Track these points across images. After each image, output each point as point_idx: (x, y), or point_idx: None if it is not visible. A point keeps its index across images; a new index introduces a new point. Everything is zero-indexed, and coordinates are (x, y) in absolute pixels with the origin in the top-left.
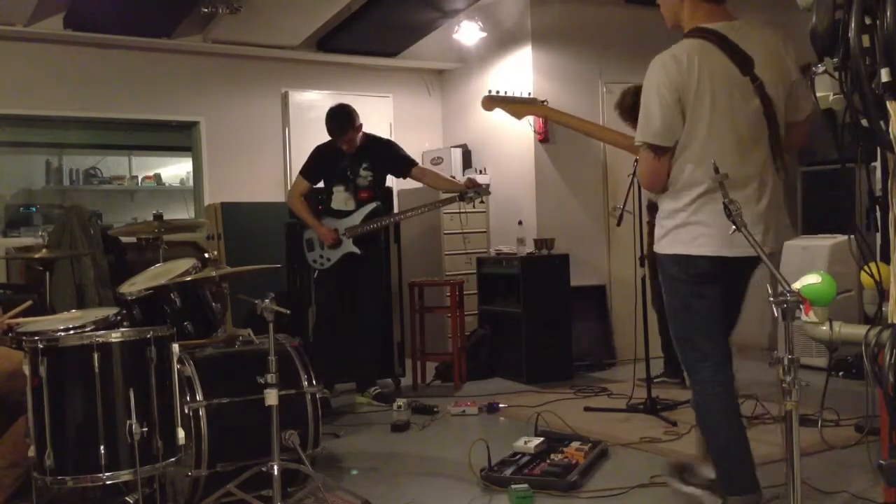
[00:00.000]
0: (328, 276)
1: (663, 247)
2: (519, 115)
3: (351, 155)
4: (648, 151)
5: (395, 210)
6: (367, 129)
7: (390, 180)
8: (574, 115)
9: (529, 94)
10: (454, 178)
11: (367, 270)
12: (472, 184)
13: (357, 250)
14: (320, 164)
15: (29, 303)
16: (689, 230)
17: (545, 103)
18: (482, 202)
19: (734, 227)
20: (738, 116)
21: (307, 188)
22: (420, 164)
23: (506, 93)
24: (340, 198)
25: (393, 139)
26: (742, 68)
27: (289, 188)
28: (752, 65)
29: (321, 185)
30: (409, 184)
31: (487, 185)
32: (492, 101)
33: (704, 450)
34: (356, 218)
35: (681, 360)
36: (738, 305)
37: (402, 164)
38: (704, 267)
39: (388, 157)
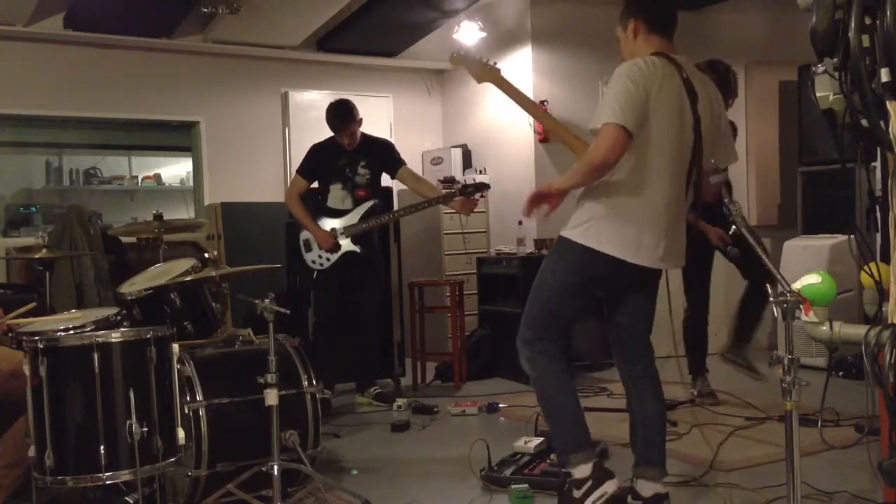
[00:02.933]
0: (328, 277)
1: (575, 235)
2: (479, 79)
3: (350, 153)
4: (620, 128)
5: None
6: (366, 129)
7: (391, 180)
8: (526, 96)
9: (496, 63)
10: (453, 177)
11: (367, 269)
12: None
13: (357, 248)
14: (318, 161)
15: (32, 304)
16: (604, 233)
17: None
18: (482, 207)
19: (734, 226)
20: (678, 138)
21: (306, 187)
22: (420, 164)
23: (473, 55)
24: (337, 196)
25: (392, 139)
26: (690, 100)
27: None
28: (697, 100)
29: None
30: None
31: (482, 183)
32: (459, 59)
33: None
34: (354, 217)
35: (534, 331)
36: (641, 313)
37: (394, 163)
38: (606, 266)
39: (386, 156)
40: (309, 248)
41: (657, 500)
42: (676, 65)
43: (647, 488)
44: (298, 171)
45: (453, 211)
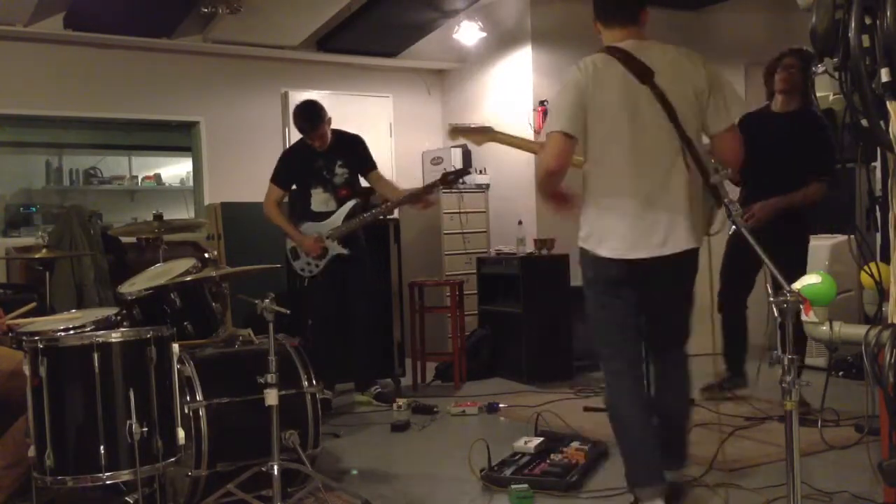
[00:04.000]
0: (319, 282)
1: (582, 243)
2: (479, 143)
3: (324, 153)
4: (559, 135)
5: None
6: (367, 129)
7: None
8: (521, 138)
9: (486, 124)
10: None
11: (357, 270)
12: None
13: (345, 251)
14: (292, 167)
15: (33, 304)
16: (599, 233)
17: (492, 129)
18: (482, 207)
19: (733, 226)
20: (637, 123)
21: (281, 195)
22: (420, 164)
23: (468, 124)
24: (320, 199)
25: (392, 139)
26: (640, 78)
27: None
28: (652, 75)
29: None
30: (404, 181)
31: (460, 170)
32: (456, 132)
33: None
34: (336, 219)
35: (597, 351)
36: (662, 307)
37: (366, 163)
38: (612, 269)
39: (360, 153)
40: (297, 256)
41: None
42: (618, 53)
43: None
44: (272, 180)
45: (455, 210)
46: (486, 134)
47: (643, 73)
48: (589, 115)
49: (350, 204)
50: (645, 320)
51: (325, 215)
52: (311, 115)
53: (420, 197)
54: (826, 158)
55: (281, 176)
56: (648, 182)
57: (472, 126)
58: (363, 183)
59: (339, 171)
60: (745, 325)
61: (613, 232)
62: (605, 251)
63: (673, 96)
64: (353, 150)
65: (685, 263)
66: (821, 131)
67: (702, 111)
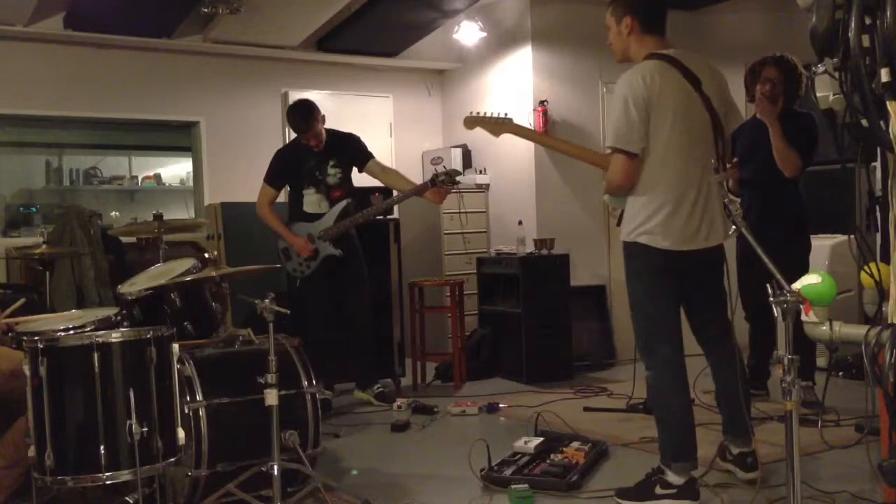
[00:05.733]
0: (312, 283)
1: (632, 237)
2: (496, 133)
3: (317, 154)
4: (621, 155)
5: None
6: (367, 129)
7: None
8: (536, 131)
9: (506, 113)
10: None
11: (350, 271)
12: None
13: (336, 252)
14: (285, 167)
15: (22, 300)
16: (652, 227)
17: (511, 120)
18: (482, 207)
19: (734, 226)
20: (692, 127)
21: (275, 196)
22: (420, 164)
23: (484, 113)
24: (313, 200)
25: (392, 139)
26: (693, 86)
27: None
28: (700, 84)
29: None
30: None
31: (454, 170)
32: (473, 122)
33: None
34: (328, 220)
35: (642, 340)
36: (704, 295)
37: (362, 157)
38: (662, 260)
39: (354, 150)
40: (288, 258)
41: (741, 456)
42: (672, 61)
43: (735, 448)
44: (266, 180)
45: (455, 210)
46: (504, 124)
47: (694, 81)
48: (652, 120)
49: (342, 205)
50: (691, 314)
51: (316, 216)
52: (305, 115)
53: (422, 193)
54: (807, 149)
55: (274, 176)
56: (698, 183)
57: (490, 116)
58: (363, 182)
59: (331, 171)
60: (771, 336)
61: (668, 226)
62: (657, 243)
63: (715, 104)
64: (346, 149)
65: (719, 258)
66: (804, 132)
67: (727, 115)
